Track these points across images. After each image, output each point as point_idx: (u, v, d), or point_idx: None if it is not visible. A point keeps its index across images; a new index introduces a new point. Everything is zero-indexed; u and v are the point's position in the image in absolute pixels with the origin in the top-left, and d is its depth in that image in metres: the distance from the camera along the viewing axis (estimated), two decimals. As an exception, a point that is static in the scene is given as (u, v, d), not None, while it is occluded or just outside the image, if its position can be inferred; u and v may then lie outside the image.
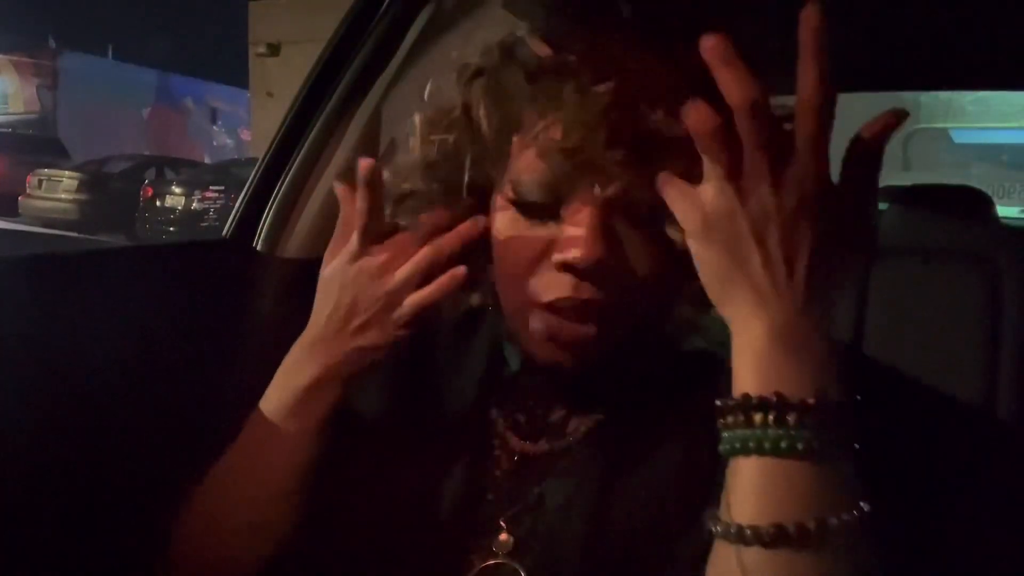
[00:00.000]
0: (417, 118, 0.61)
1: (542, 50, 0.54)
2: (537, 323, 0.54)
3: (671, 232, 0.51)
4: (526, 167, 0.53)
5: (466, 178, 0.58)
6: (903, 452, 0.59)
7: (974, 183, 1.98)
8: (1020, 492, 1.32)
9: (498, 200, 0.57)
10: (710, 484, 0.52)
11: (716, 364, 0.57)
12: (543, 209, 0.53)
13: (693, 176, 0.47)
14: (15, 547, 0.69)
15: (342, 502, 0.63)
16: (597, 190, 0.51)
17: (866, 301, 1.78)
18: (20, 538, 0.69)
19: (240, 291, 1.01)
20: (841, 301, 1.80)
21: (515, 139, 0.55)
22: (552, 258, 0.53)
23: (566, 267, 0.52)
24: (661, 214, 0.50)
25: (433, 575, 0.60)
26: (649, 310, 0.56)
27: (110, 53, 23.61)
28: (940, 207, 1.79)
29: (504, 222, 0.56)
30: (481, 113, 0.56)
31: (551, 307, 0.53)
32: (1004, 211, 2.06)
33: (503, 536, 0.59)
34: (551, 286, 0.53)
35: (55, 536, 0.72)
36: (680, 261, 0.50)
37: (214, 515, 0.64)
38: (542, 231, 0.54)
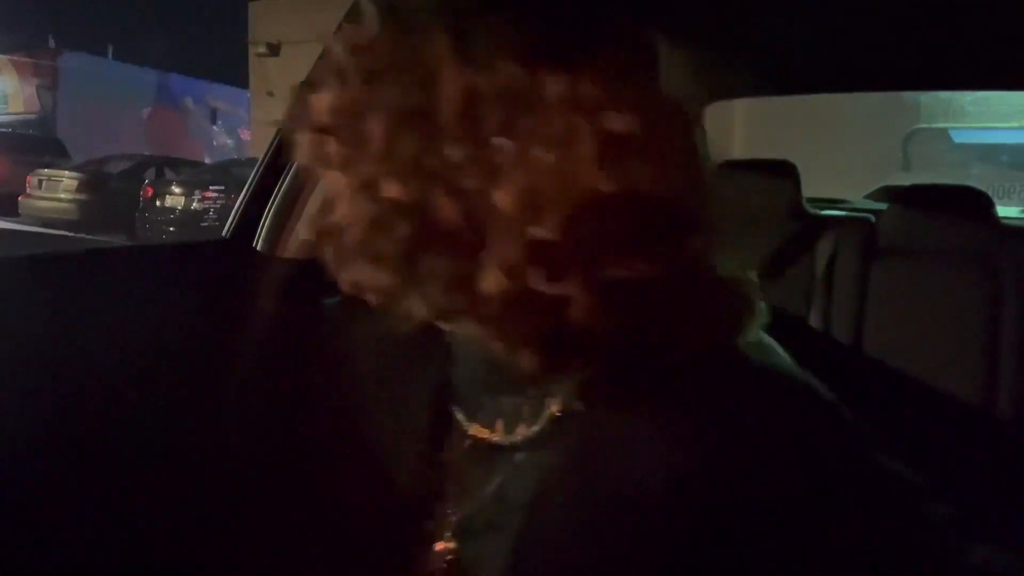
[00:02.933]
0: None
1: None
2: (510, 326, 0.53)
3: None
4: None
5: None
6: (903, 451, 0.59)
7: (974, 183, 1.98)
8: (1020, 491, 1.32)
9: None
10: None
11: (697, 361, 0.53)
12: None
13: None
14: (15, 546, 0.69)
15: (293, 498, 0.63)
16: None
17: (866, 301, 1.78)
18: (20, 536, 0.70)
19: (240, 291, 1.01)
20: (841, 301, 1.80)
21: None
22: None
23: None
24: None
25: (383, 570, 0.60)
26: (637, 321, 0.54)
27: (110, 53, 23.61)
28: (940, 207, 1.79)
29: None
30: None
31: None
32: (1004, 211, 2.06)
33: (449, 540, 0.59)
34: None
35: (54, 535, 0.72)
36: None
37: None
38: None
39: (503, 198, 0.45)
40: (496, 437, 0.59)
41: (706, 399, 0.52)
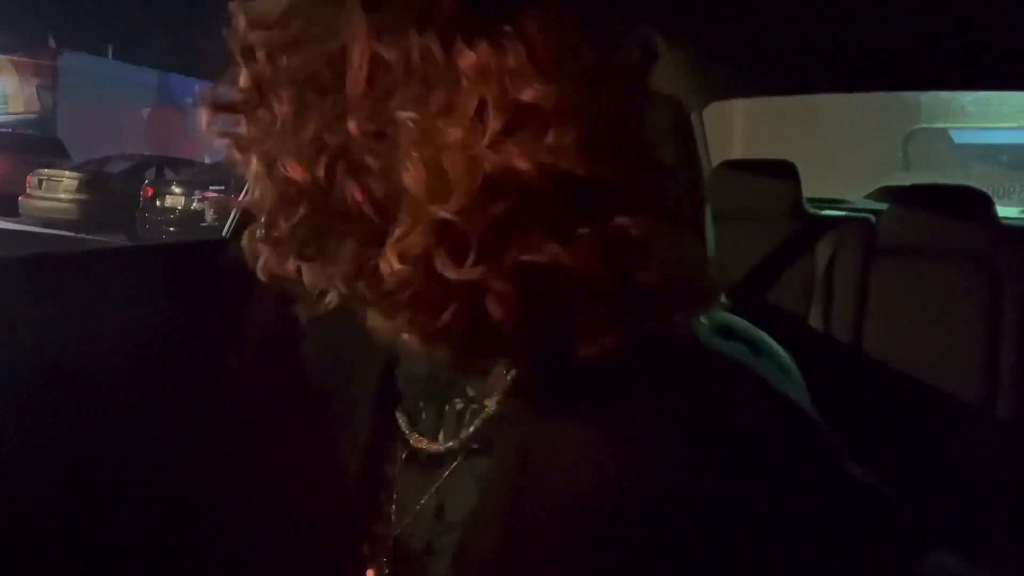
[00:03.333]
0: None
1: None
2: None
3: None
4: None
5: None
6: (902, 451, 0.59)
7: (974, 183, 1.98)
8: (1020, 490, 1.32)
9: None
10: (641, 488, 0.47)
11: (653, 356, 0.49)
12: None
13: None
14: (15, 546, 0.69)
15: (231, 504, 0.62)
16: None
17: (866, 301, 1.78)
18: (20, 536, 0.69)
19: (240, 291, 1.01)
20: (842, 301, 1.80)
21: None
22: None
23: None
24: None
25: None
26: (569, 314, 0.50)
27: (110, 53, 23.60)
28: (940, 207, 1.79)
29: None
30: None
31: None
32: (1004, 211, 2.06)
33: (383, 565, 0.57)
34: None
35: (54, 535, 0.72)
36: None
37: None
38: None
39: (408, 177, 0.42)
40: (435, 446, 0.56)
41: (648, 393, 0.48)
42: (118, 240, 9.50)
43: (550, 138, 0.42)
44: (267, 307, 1.01)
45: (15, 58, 21.05)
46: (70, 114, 20.20)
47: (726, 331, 0.54)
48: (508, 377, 0.53)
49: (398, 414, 0.58)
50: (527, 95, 0.41)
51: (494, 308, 0.43)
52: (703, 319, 0.52)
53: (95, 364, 0.78)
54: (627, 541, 0.47)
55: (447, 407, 0.56)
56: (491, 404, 0.54)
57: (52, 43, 21.74)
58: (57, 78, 20.78)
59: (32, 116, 20.20)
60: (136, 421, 0.80)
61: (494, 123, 0.41)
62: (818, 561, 0.47)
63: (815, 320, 1.80)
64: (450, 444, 0.55)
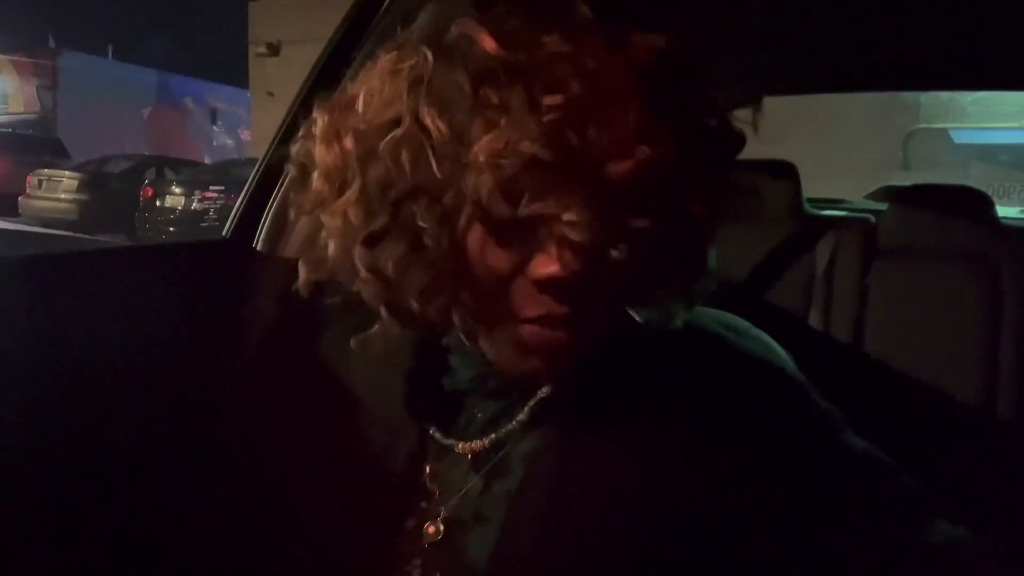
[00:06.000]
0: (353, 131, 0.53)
1: (489, 45, 0.48)
2: (514, 336, 0.52)
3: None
4: (484, 182, 0.48)
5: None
6: (902, 450, 0.59)
7: (974, 183, 1.98)
8: (1020, 490, 1.32)
9: (463, 218, 0.51)
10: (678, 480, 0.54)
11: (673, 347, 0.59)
12: (511, 223, 0.50)
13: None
14: (14, 546, 0.69)
15: (270, 509, 0.63)
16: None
17: (866, 301, 1.78)
18: (19, 536, 0.70)
19: (240, 291, 1.01)
20: (842, 301, 1.80)
21: (466, 151, 0.49)
22: (528, 274, 0.50)
23: (544, 284, 0.50)
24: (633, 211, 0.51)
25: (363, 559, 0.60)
26: (621, 308, 0.57)
27: (110, 53, 23.60)
28: (940, 207, 1.79)
29: (472, 239, 0.51)
30: (428, 123, 0.50)
31: (527, 320, 0.52)
32: (1004, 211, 2.06)
33: (431, 528, 0.59)
34: (529, 303, 0.51)
35: (54, 534, 0.72)
36: (653, 252, 0.51)
37: None
38: (514, 246, 0.51)
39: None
40: (478, 446, 0.60)
41: (675, 381, 0.56)
42: (118, 240, 9.50)
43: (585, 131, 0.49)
44: (268, 307, 1.01)
45: (15, 58, 21.05)
46: (70, 114, 20.20)
47: (726, 330, 0.59)
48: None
49: (438, 417, 0.62)
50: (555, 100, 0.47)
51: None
52: (704, 318, 0.61)
53: (95, 364, 0.78)
54: (665, 507, 0.54)
55: (492, 405, 0.61)
56: (535, 398, 0.59)
57: (52, 43, 21.74)
58: (57, 78, 20.78)
59: (32, 116, 20.21)
60: (136, 421, 0.80)
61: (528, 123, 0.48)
62: (824, 523, 0.53)
63: (815, 320, 1.80)
64: (495, 437, 0.60)
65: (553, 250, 0.49)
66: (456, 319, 0.54)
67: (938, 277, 1.72)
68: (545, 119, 0.46)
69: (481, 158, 0.47)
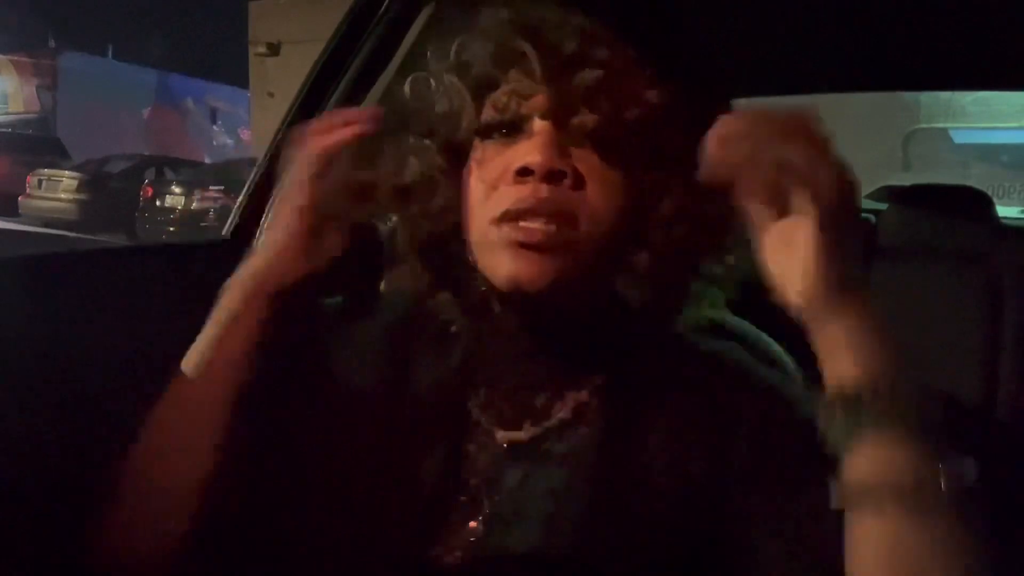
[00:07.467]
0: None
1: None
2: (500, 234, 0.56)
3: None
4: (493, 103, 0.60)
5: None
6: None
7: (974, 183, 1.98)
8: (1020, 491, 1.32)
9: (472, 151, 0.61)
10: (710, 471, 0.57)
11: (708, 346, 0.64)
12: (507, 133, 0.58)
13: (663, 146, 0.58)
14: (11, 546, 0.69)
15: (313, 487, 0.63)
16: (554, 113, 0.57)
17: (866, 301, 1.78)
18: (17, 536, 0.69)
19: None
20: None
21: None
22: (511, 169, 0.57)
23: (521, 173, 0.56)
24: (630, 153, 0.57)
25: (405, 563, 0.60)
26: (607, 246, 0.58)
27: (110, 53, 23.60)
28: (940, 207, 1.79)
29: (474, 159, 0.60)
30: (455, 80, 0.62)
31: (510, 215, 0.56)
32: (1004, 211, 2.06)
33: (472, 524, 0.60)
34: (510, 194, 0.56)
35: (53, 535, 0.72)
36: (645, 205, 0.58)
37: (149, 468, 0.64)
38: (505, 152, 0.58)
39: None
40: (522, 435, 0.62)
41: (711, 384, 0.61)
42: (118, 240, 9.49)
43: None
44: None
45: (15, 58, 21.04)
46: (70, 114, 20.20)
47: (727, 332, 0.59)
48: (593, 372, 0.62)
49: (473, 403, 0.64)
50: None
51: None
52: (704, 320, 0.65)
53: (95, 364, 0.78)
54: (697, 503, 0.57)
55: (534, 396, 0.62)
56: (575, 396, 0.62)
57: (52, 43, 21.74)
58: (57, 78, 20.78)
59: (32, 116, 20.20)
60: (136, 422, 0.80)
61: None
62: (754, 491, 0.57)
63: (815, 320, 1.80)
64: (538, 431, 0.61)
65: (532, 142, 0.56)
66: (463, 233, 0.60)
67: (938, 277, 1.72)
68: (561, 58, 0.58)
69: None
